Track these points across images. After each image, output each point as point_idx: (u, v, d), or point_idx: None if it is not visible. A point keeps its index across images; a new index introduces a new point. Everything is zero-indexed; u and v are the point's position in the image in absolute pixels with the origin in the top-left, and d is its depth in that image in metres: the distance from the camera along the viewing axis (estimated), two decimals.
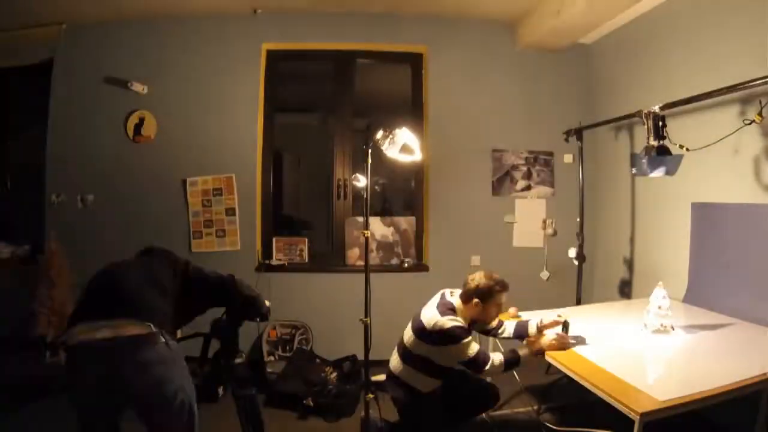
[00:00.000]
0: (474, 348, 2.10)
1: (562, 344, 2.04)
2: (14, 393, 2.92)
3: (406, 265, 3.67)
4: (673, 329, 2.18)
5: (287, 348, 3.40)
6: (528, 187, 3.79)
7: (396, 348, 2.33)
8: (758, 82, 1.95)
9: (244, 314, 1.69)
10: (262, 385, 2.98)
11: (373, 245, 3.66)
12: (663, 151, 2.14)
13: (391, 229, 3.75)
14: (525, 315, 2.57)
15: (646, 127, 2.20)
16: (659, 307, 2.18)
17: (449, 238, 3.70)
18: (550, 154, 3.81)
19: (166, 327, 1.48)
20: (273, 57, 3.71)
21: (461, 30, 3.70)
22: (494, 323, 2.38)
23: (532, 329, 2.29)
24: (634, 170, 2.56)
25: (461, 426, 2.39)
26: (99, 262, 3.65)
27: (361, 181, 3.15)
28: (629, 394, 1.59)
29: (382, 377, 3.24)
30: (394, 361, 2.30)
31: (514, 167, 3.77)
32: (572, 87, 3.85)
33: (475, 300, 2.17)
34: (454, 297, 2.25)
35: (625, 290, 3.44)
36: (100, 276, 1.62)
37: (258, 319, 1.78)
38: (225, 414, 2.53)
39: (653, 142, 2.16)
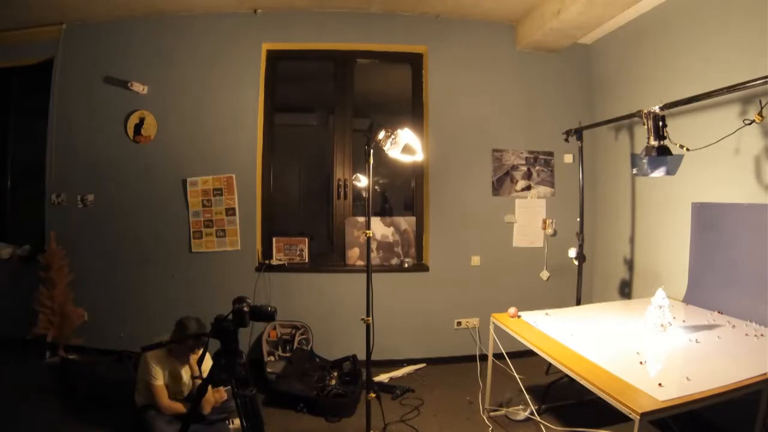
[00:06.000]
0: None
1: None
2: (13, 392, 2.91)
3: (406, 265, 3.68)
4: (671, 325, 2.18)
5: (287, 348, 3.40)
6: (528, 187, 3.79)
7: None
8: (758, 82, 1.95)
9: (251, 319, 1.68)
10: (262, 385, 2.99)
11: (373, 245, 3.65)
12: (663, 151, 2.14)
13: (392, 229, 3.75)
14: (525, 315, 2.57)
15: (646, 127, 2.19)
16: (659, 307, 2.18)
17: (449, 238, 3.70)
18: (550, 154, 3.81)
19: None
20: (273, 57, 3.71)
21: (461, 30, 3.70)
22: None
23: None
24: (634, 170, 2.56)
25: None
26: (99, 262, 3.70)
27: (362, 181, 3.17)
28: (629, 394, 1.59)
29: (385, 377, 3.26)
30: None
31: (514, 167, 3.78)
32: (572, 87, 3.85)
33: None
34: None
35: (625, 290, 3.44)
36: None
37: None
38: None
39: (653, 142, 2.16)
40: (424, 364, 3.56)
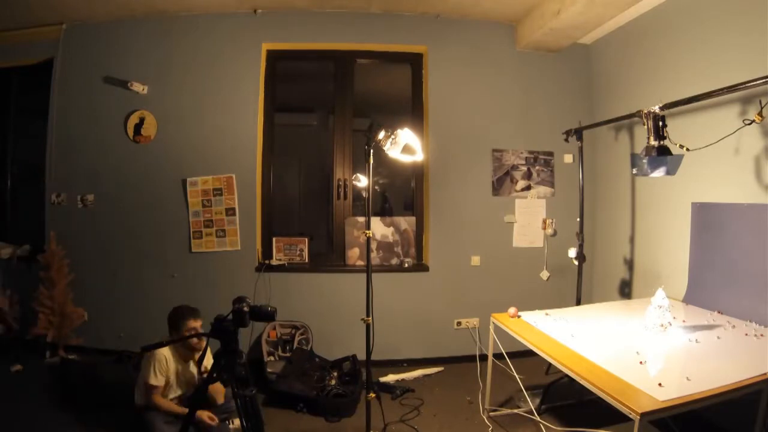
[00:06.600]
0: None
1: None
2: (13, 392, 2.92)
3: (406, 265, 3.67)
4: (671, 325, 2.18)
5: (287, 348, 3.40)
6: (528, 187, 3.79)
7: None
8: (758, 82, 1.95)
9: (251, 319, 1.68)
10: (262, 385, 2.99)
11: (373, 245, 3.65)
12: (663, 151, 2.14)
13: (391, 229, 3.76)
14: (525, 315, 2.57)
15: (646, 127, 2.19)
16: (659, 307, 2.18)
17: (449, 238, 3.70)
18: (550, 154, 3.81)
19: None
20: (273, 57, 3.71)
21: (461, 30, 3.70)
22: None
23: None
24: (634, 170, 2.57)
25: None
26: (99, 262, 3.70)
27: (362, 181, 3.17)
28: (629, 394, 1.59)
29: (392, 378, 3.25)
30: None
31: (514, 167, 3.78)
32: (572, 87, 3.85)
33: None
34: None
35: (625, 290, 3.44)
36: None
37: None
38: None
39: (653, 142, 2.16)
40: (440, 368, 3.50)
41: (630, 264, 3.41)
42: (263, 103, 3.67)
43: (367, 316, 2.28)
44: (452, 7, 3.52)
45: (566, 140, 3.34)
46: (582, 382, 1.79)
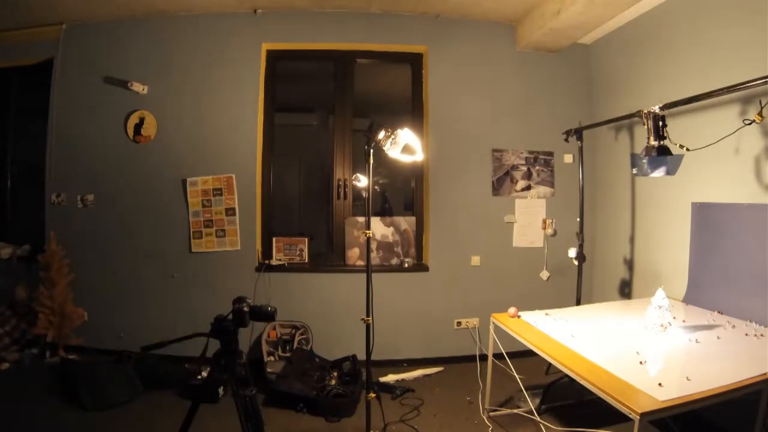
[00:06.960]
0: None
1: None
2: (13, 392, 2.91)
3: (406, 265, 3.67)
4: (671, 325, 2.18)
5: (287, 348, 3.40)
6: (528, 187, 3.79)
7: None
8: (758, 82, 1.95)
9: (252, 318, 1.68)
10: (262, 385, 2.99)
11: (373, 245, 3.65)
12: (663, 151, 2.14)
13: (391, 229, 3.76)
14: (525, 315, 2.57)
15: (646, 127, 2.19)
16: (659, 307, 2.18)
17: (449, 238, 3.70)
18: (550, 154, 3.81)
19: None
20: (273, 57, 3.71)
21: (461, 30, 3.70)
22: None
23: None
24: (634, 170, 2.56)
25: None
26: (99, 262, 3.70)
27: (362, 181, 3.17)
28: (629, 394, 1.59)
29: (392, 378, 3.25)
30: None
31: (514, 167, 3.78)
32: (572, 87, 3.85)
33: None
34: None
35: (625, 290, 3.44)
36: None
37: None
38: (225, 414, 2.55)
39: (653, 142, 2.16)
40: (440, 368, 3.50)
41: (630, 264, 3.41)
42: (263, 103, 3.67)
43: (367, 316, 2.28)
44: (452, 7, 3.52)
45: (566, 140, 3.34)
46: (582, 382, 1.79)
